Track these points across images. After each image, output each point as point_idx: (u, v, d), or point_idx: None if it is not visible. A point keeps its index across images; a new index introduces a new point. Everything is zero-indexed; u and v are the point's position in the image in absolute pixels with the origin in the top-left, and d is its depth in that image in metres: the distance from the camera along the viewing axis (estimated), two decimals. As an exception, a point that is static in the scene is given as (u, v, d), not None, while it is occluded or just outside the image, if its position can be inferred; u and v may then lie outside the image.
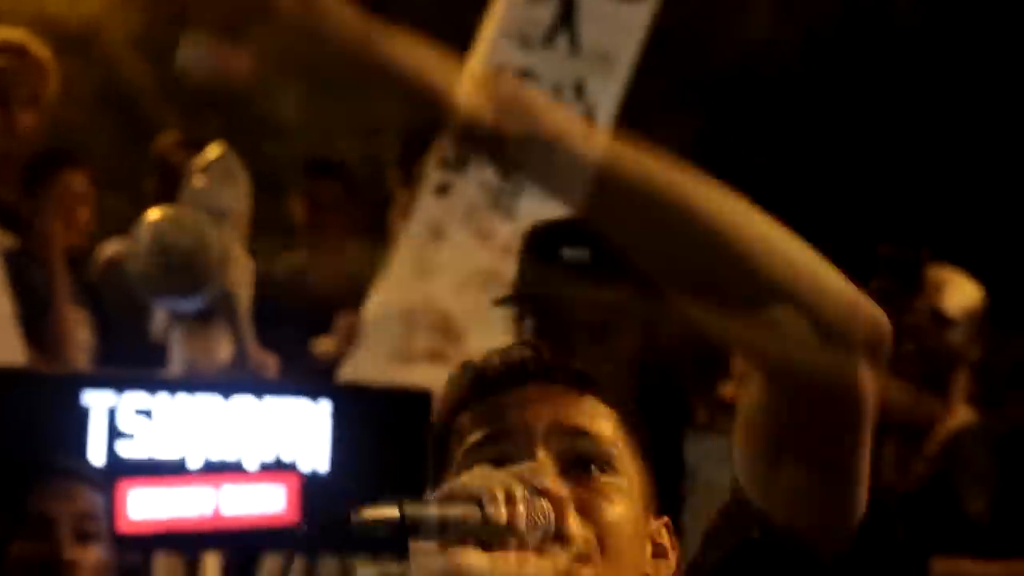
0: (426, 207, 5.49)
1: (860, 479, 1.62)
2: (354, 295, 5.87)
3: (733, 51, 9.70)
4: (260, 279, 5.27)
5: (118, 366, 5.33)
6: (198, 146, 5.53)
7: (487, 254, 5.43)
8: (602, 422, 1.68)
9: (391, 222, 6.08)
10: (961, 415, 4.86)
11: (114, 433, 4.48)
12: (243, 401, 4.64)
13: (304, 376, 5.57)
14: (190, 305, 4.75)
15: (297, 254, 6.34)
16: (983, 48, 9.42)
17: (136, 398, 4.53)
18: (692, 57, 9.80)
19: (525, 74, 5.58)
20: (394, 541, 1.53)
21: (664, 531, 1.74)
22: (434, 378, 5.05)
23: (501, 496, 1.53)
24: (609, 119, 5.67)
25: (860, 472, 1.62)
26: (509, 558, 1.53)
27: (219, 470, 4.56)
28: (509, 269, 3.76)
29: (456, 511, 1.54)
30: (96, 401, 4.49)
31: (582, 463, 1.65)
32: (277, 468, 4.63)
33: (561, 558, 1.57)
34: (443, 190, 5.55)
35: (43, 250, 5.25)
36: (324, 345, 5.72)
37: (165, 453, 4.55)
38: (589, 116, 5.63)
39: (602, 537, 1.62)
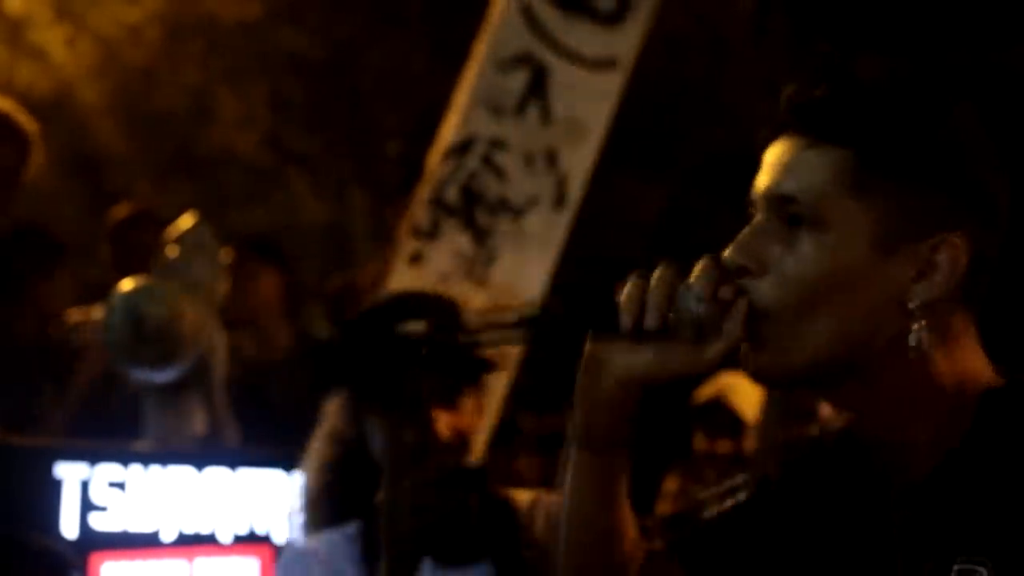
0: (400, 276, 5.48)
1: None
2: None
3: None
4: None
5: (89, 436, 5.30)
6: (161, 217, 5.52)
7: (460, 322, 5.41)
8: (815, 175, 1.81)
9: (364, 289, 6.07)
10: None
11: (87, 505, 4.45)
12: (217, 473, 4.62)
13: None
14: (163, 376, 4.72)
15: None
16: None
17: (109, 470, 4.50)
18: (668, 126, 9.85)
19: (497, 144, 5.59)
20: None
21: (942, 248, 1.80)
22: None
23: (633, 306, 1.82)
24: (581, 188, 5.68)
25: None
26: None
27: (192, 542, 4.53)
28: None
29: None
30: (69, 473, 4.46)
31: (794, 221, 1.82)
32: (251, 540, 4.60)
33: (717, 346, 1.81)
34: (416, 259, 5.54)
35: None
36: None
37: (138, 525, 4.52)
38: (561, 185, 5.64)
39: (790, 294, 1.81)
